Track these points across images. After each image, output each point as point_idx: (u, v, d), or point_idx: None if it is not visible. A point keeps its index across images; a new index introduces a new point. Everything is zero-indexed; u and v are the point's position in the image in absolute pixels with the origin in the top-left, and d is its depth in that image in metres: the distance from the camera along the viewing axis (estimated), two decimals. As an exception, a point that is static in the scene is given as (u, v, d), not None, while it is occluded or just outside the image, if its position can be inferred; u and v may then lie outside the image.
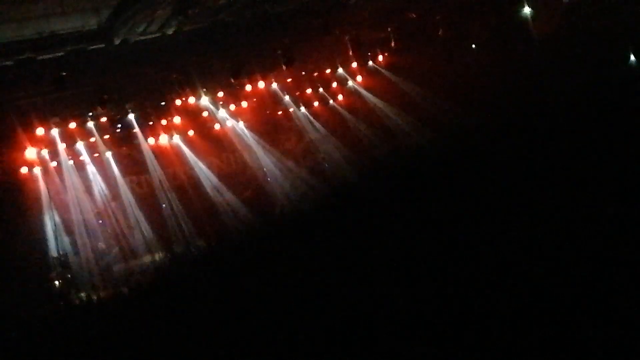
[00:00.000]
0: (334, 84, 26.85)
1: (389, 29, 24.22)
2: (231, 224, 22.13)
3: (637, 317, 5.35)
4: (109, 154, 22.61)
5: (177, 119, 22.96)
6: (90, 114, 20.88)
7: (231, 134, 25.32)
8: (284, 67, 22.60)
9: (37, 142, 20.05)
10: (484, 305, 6.62)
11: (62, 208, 21.00)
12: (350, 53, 24.44)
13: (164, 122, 22.97)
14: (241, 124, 25.63)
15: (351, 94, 27.19)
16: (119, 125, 22.35)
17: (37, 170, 20.62)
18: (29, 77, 17.76)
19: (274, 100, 25.91)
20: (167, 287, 16.54)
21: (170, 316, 12.94)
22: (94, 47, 17.69)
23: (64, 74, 17.99)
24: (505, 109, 20.11)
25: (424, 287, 7.59)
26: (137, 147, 22.99)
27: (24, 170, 20.32)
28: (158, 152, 23.34)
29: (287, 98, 26.13)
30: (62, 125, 20.57)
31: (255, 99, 25.30)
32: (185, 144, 24.06)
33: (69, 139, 21.22)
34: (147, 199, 23.07)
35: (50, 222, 20.67)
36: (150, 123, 22.69)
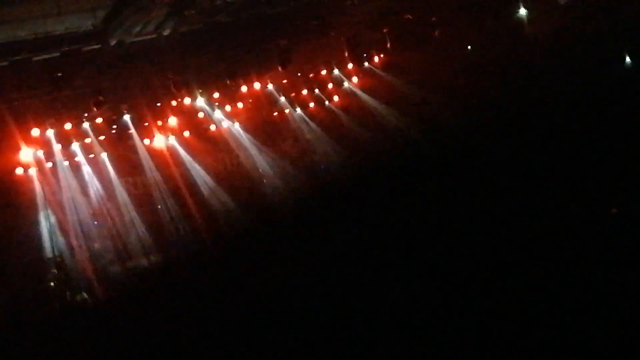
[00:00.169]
0: (330, 85, 26.84)
1: (385, 30, 24.18)
2: (226, 225, 22.13)
3: (637, 317, 5.36)
4: (104, 155, 22.60)
5: (172, 120, 22.95)
6: (86, 114, 20.85)
7: (227, 135, 25.31)
8: (279, 68, 22.57)
9: (32, 142, 20.03)
10: (482, 304, 6.63)
11: (57, 209, 20.99)
12: (346, 54, 24.41)
13: (159, 123, 22.94)
14: (237, 125, 25.62)
15: (347, 95, 27.18)
16: (115, 126, 22.32)
17: (33, 171, 20.60)
18: (24, 78, 17.73)
19: (270, 101, 25.90)
20: (162, 287, 16.54)
21: (165, 317, 12.92)
22: (89, 48, 17.64)
23: (60, 74, 17.95)
24: (501, 110, 20.15)
25: (422, 285, 7.60)
26: (132, 148, 22.97)
27: (19, 171, 20.29)
28: (154, 153, 23.32)
29: (283, 99, 26.13)
30: (58, 126, 20.54)
31: (251, 100, 25.28)
32: (181, 145, 24.04)
33: (65, 140, 21.20)
34: (142, 200, 23.07)
35: (45, 223, 20.65)
36: (146, 124, 22.66)
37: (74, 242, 20.75)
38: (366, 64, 26.25)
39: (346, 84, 27.01)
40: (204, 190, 23.96)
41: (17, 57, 16.64)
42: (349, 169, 24.53)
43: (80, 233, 21.22)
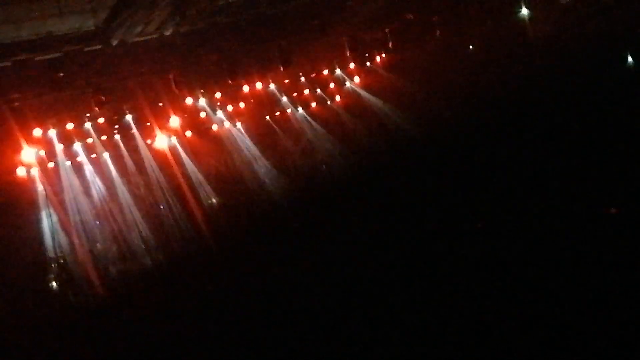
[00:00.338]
0: (332, 85, 26.86)
1: (387, 30, 24.21)
2: (228, 225, 22.13)
3: (637, 317, 5.36)
4: (106, 155, 22.62)
5: (174, 120, 22.95)
6: (88, 114, 20.85)
7: (229, 135, 25.34)
8: (281, 68, 22.58)
9: (34, 142, 20.01)
10: (482, 303, 6.62)
11: (59, 209, 21.00)
12: (348, 54, 24.42)
13: (161, 123, 22.94)
14: (239, 125, 25.65)
15: (349, 94, 27.21)
16: (117, 126, 22.33)
17: (35, 171, 20.60)
18: (26, 78, 17.71)
19: (272, 101, 25.91)
20: (164, 288, 16.54)
21: (167, 317, 12.93)
22: (91, 48, 17.64)
23: (62, 74, 17.94)
24: (503, 109, 20.14)
25: (425, 284, 7.60)
26: (134, 148, 22.98)
27: (21, 171, 20.29)
28: (155, 153, 23.34)
29: (284, 99, 26.15)
30: (60, 126, 20.54)
31: (252, 100, 25.30)
32: (182, 145, 24.05)
33: (67, 140, 21.20)
34: (144, 199, 23.09)
35: (47, 223, 20.67)
36: (148, 124, 22.66)
37: (76, 242, 20.76)
38: (368, 63, 26.27)
39: (348, 84, 27.04)
40: (206, 190, 23.98)
41: (18, 57, 16.64)
42: (351, 169, 24.54)
43: (82, 233, 21.24)
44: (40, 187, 20.70)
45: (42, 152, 20.67)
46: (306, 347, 7.45)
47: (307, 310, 8.91)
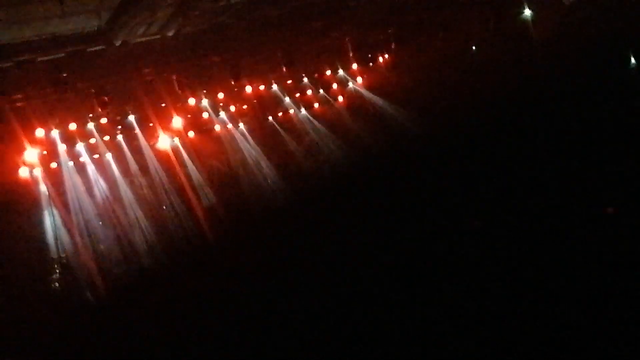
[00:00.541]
0: (335, 86, 26.85)
1: (389, 31, 24.21)
2: (231, 225, 22.14)
3: (637, 317, 5.36)
4: (109, 155, 22.63)
5: (177, 121, 22.94)
6: (91, 115, 20.87)
7: (231, 136, 25.34)
8: (284, 69, 22.59)
9: (37, 143, 20.03)
10: (481, 301, 6.62)
11: (62, 209, 21.01)
12: (351, 55, 24.43)
13: (164, 123, 22.94)
14: (241, 126, 25.67)
15: (352, 95, 27.19)
16: (119, 127, 22.36)
17: (38, 172, 20.61)
18: (29, 79, 17.74)
19: (274, 101, 25.92)
20: (167, 288, 16.55)
21: (170, 317, 12.93)
22: (94, 48, 17.65)
23: (65, 75, 17.98)
24: (506, 110, 20.12)
25: (426, 283, 7.59)
26: (137, 149, 22.99)
27: (24, 171, 20.31)
28: (158, 153, 23.34)
29: (287, 100, 26.15)
30: (63, 126, 20.55)
31: (255, 101, 25.32)
32: (185, 146, 24.05)
33: (69, 140, 21.21)
34: (147, 200, 23.09)
35: (50, 223, 20.68)
36: (151, 125, 22.67)
37: (79, 243, 20.77)
38: (370, 64, 26.25)
39: (350, 85, 27.03)
40: (208, 190, 23.99)
41: (22, 58, 16.66)
42: (354, 169, 24.54)
43: (85, 233, 21.25)
44: (43, 188, 20.71)
45: (45, 153, 20.69)
46: (306, 347, 7.46)
47: (308, 311, 8.92)
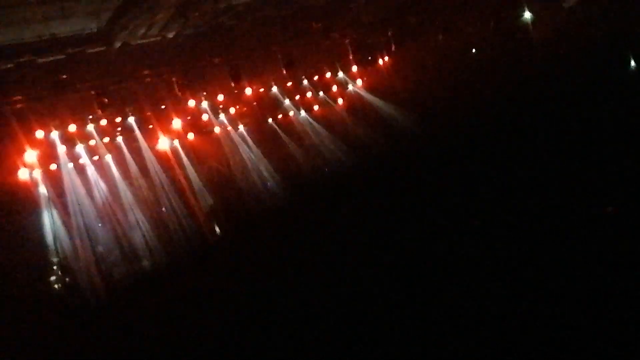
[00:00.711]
0: (335, 87, 26.88)
1: (389, 33, 24.23)
2: (230, 227, 22.15)
3: (637, 317, 5.35)
4: (108, 157, 22.64)
5: (177, 123, 22.95)
6: (90, 117, 20.87)
7: (231, 138, 25.35)
8: (284, 71, 22.60)
9: (37, 144, 20.03)
10: (481, 301, 6.61)
11: (61, 211, 21.01)
12: (351, 56, 24.44)
13: (164, 125, 22.96)
14: (241, 128, 25.68)
15: (352, 96, 27.22)
16: (119, 129, 22.37)
17: (37, 173, 20.60)
18: (29, 80, 17.74)
19: (274, 103, 25.94)
20: (166, 290, 16.54)
21: (169, 318, 12.92)
22: (94, 50, 17.65)
23: (64, 76, 17.98)
24: (506, 111, 20.12)
25: (427, 283, 7.58)
26: (137, 150, 23.00)
27: (24, 172, 20.29)
28: (158, 155, 23.35)
29: (287, 101, 26.17)
30: (62, 128, 20.55)
31: (255, 103, 25.33)
32: (185, 147, 24.06)
33: (69, 142, 21.20)
34: (147, 201, 23.09)
35: (49, 224, 20.66)
36: (150, 126, 22.69)
37: (78, 244, 20.76)
38: (370, 66, 26.26)
39: (350, 86, 27.06)
40: (208, 191, 24.00)
41: (21, 59, 16.65)
42: (354, 171, 24.55)
43: (84, 235, 21.23)
44: (42, 189, 20.70)
45: (45, 154, 20.68)
46: (306, 347, 7.45)
47: (308, 311, 8.91)
